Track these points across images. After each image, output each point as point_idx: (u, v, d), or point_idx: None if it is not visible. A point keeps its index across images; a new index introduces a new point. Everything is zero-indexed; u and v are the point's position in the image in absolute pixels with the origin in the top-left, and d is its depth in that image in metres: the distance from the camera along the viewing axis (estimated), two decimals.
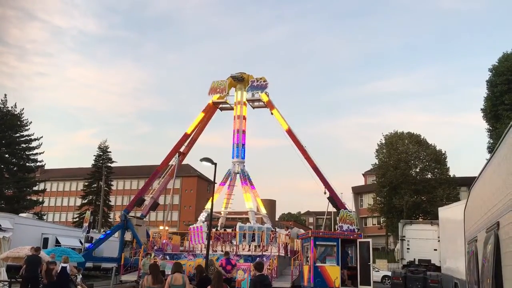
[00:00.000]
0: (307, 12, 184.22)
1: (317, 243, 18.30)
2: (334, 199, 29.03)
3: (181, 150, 33.21)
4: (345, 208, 28.38)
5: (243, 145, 31.97)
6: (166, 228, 32.90)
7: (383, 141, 52.14)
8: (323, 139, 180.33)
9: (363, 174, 73.93)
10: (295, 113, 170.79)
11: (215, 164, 19.71)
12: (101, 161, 62.77)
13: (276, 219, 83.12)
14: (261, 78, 31.88)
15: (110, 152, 64.07)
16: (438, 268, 21.23)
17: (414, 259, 22.84)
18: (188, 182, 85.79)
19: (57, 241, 32.12)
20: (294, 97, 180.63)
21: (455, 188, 48.09)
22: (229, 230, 28.60)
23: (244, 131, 32.19)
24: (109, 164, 62.71)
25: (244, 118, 32.45)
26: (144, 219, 33.59)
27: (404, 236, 23.58)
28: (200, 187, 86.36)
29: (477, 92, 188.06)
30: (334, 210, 30.24)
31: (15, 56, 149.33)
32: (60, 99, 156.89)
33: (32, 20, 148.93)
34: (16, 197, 46.90)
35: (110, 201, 64.64)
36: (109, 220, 63.26)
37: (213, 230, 26.52)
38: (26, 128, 49.02)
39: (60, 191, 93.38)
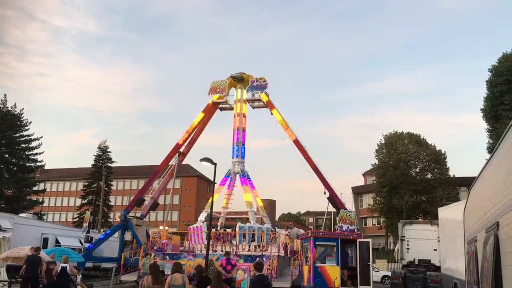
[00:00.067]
0: (307, 13, 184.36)
1: (317, 243, 18.29)
2: (334, 199, 29.03)
3: (181, 150, 33.20)
4: (345, 208, 28.39)
5: (243, 143, 31.95)
6: (166, 228, 32.90)
7: (383, 141, 52.16)
8: (323, 139, 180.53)
9: (363, 174, 73.93)
10: (295, 113, 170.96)
11: (215, 164, 19.71)
12: (101, 161, 62.75)
13: (276, 219, 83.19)
14: (261, 78, 31.88)
15: (110, 152, 64.15)
16: (437, 268, 21.24)
17: (414, 259, 22.85)
18: (188, 182, 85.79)
19: (57, 241, 32.13)
20: (294, 97, 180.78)
21: (454, 188, 48.10)
22: (229, 230, 28.60)
23: (244, 129, 32.18)
24: (109, 164, 62.68)
25: (244, 115, 32.42)
26: (144, 219, 33.59)
27: (404, 236, 23.58)
28: (200, 187, 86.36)
29: (477, 92, 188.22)
30: (334, 210, 30.24)
31: (15, 57, 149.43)
32: (60, 99, 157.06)
33: (32, 20, 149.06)
34: (16, 197, 46.89)
35: (110, 201, 64.62)
36: (109, 220, 63.23)
37: (213, 230, 26.51)
38: (26, 128, 49.08)
39: (60, 191, 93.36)
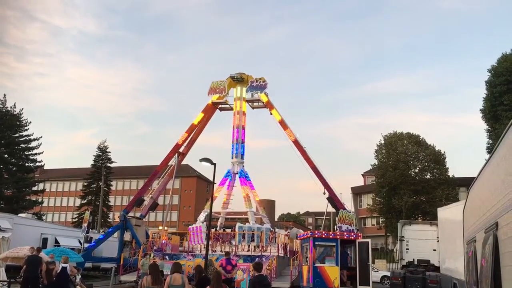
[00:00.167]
0: (307, 13, 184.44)
1: (316, 243, 18.29)
2: (333, 199, 29.02)
3: (181, 150, 33.19)
4: (344, 209, 28.41)
5: (243, 141, 31.94)
6: (166, 228, 32.89)
7: (382, 142, 52.17)
8: (322, 139, 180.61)
9: (362, 175, 73.92)
10: (295, 113, 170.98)
11: (215, 164, 19.71)
12: (100, 161, 62.71)
13: (276, 220, 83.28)
14: (260, 79, 31.88)
15: (109, 152, 64.10)
16: (437, 269, 21.25)
17: (413, 259, 22.86)
18: (188, 182, 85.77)
19: (56, 241, 32.12)
20: (294, 97, 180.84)
21: (454, 188, 48.11)
22: (228, 231, 28.60)
23: (243, 127, 32.18)
24: (109, 164, 62.63)
25: (244, 113, 32.42)
26: (144, 219, 33.58)
27: (403, 237, 23.59)
28: (199, 187, 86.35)
29: (476, 92, 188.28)
30: (334, 210, 30.22)
31: (15, 57, 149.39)
32: (60, 99, 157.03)
33: (32, 20, 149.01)
34: (15, 197, 46.87)
35: (109, 201, 64.60)
36: (109, 220, 63.20)
37: (212, 230, 26.50)
38: (26, 128, 49.08)
39: (59, 191, 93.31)
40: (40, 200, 53.08)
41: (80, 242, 33.04)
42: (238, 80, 32.46)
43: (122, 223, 30.69)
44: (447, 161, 49.95)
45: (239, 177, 31.05)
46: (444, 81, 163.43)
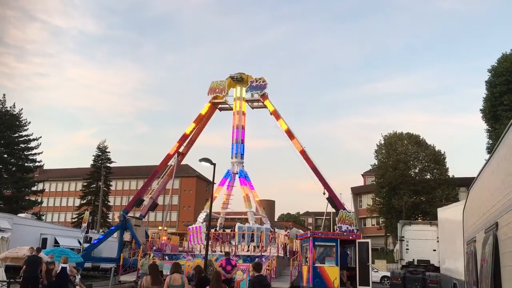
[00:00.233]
0: (307, 12, 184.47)
1: (316, 243, 18.27)
2: (333, 199, 29.02)
3: (180, 150, 33.18)
4: (344, 209, 28.42)
5: (242, 141, 31.95)
6: (165, 228, 32.88)
7: (382, 142, 52.19)
8: (322, 139, 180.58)
9: (362, 175, 73.95)
10: (295, 113, 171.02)
11: (214, 164, 19.69)
12: (100, 161, 62.68)
13: (275, 220, 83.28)
14: (260, 79, 31.90)
15: (109, 152, 64.05)
16: (437, 269, 21.23)
17: (413, 259, 22.86)
18: (187, 183, 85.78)
19: (55, 242, 32.09)
20: (294, 97, 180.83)
21: (454, 188, 48.12)
22: (228, 231, 28.59)
23: (243, 127, 32.20)
24: (108, 164, 62.58)
25: (244, 113, 32.43)
26: (143, 220, 33.58)
27: (403, 237, 23.58)
28: (199, 188, 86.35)
29: (476, 92, 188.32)
30: (333, 210, 30.23)
31: (14, 57, 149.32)
32: (59, 99, 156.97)
33: (32, 20, 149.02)
34: (15, 197, 46.84)
35: (109, 202, 64.59)
36: (108, 220, 63.20)
37: (212, 230, 26.49)
38: (25, 128, 49.05)
39: (59, 191, 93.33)
40: (39, 200, 53.07)
41: (79, 242, 33.03)
42: (238, 80, 32.48)
43: (122, 223, 30.69)
44: (447, 161, 50.03)
45: (239, 177, 31.04)
46: (444, 81, 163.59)
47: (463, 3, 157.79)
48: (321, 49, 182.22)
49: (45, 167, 66.75)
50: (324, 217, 36.54)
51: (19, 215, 34.34)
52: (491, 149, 34.12)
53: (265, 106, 31.98)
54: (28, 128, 49.24)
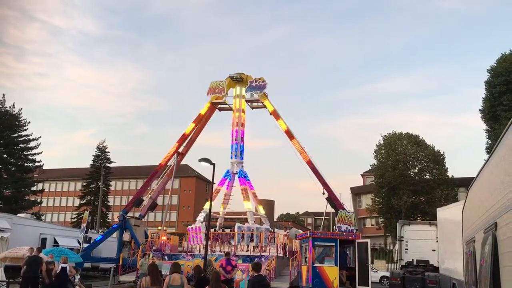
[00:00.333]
0: (307, 12, 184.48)
1: (315, 243, 18.28)
2: (332, 199, 29.02)
3: (180, 150, 33.18)
4: (344, 209, 28.42)
5: (242, 139, 31.95)
6: (165, 228, 32.87)
7: (382, 142, 52.22)
8: (322, 139, 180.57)
9: (362, 175, 73.99)
10: (295, 113, 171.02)
11: (214, 164, 19.68)
12: (99, 161, 62.67)
13: (275, 220, 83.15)
14: (259, 79, 31.90)
15: (108, 152, 64.05)
16: (436, 269, 21.25)
17: (413, 259, 22.87)
18: (187, 183, 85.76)
19: (55, 241, 32.08)
20: (294, 97, 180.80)
21: (453, 188, 48.17)
22: (227, 231, 28.58)
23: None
24: (108, 164, 62.57)
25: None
26: (143, 220, 33.56)
27: (403, 237, 23.60)
28: (198, 188, 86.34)
29: (476, 92, 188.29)
30: (333, 210, 30.24)
31: (14, 57, 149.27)
32: (59, 99, 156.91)
33: (31, 20, 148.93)
34: (14, 197, 46.81)
35: (108, 202, 64.55)
36: (108, 220, 63.19)
37: (212, 230, 26.49)
38: (25, 128, 49.04)
39: (58, 191, 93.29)
40: (39, 200, 53.02)
41: (79, 242, 33.01)
42: (238, 80, 32.49)
43: (121, 223, 30.68)
44: (446, 161, 50.14)
45: (238, 177, 31.04)
46: (444, 81, 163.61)
47: (463, 3, 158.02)
48: (321, 49, 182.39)
49: (44, 167, 66.71)
50: (323, 217, 36.57)
51: (19, 215, 34.31)
52: (490, 149, 34.11)
53: (264, 106, 31.98)
54: (27, 128, 49.32)
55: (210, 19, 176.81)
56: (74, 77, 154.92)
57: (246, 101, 32.54)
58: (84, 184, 63.85)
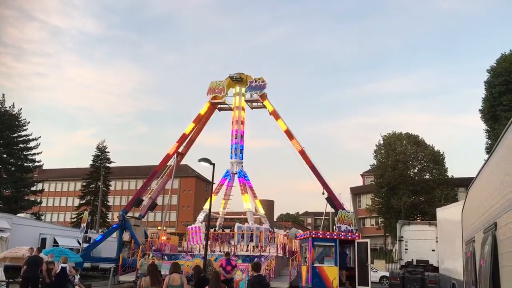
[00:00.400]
0: (307, 13, 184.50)
1: (315, 243, 18.29)
2: (332, 199, 29.03)
3: (180, 150, 33.18)
4: (343, 209, 28.43)
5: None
6: (164, 228, 32.85)
7: (381, 142, 52.22)
8: (322, 139, 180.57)
9: (362, 175, 73.99)
10: (295, 113, 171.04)
11: (214, 164, 19.68)
12: (99, 161, 62.65)
13: (275, 220, 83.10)
14: (259, 79, 31.89)
15: (108, 152, 64.00)
16: (436, 269, 21.26)
17: (412, 259, 22.88)
18: (187, 183, 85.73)
19: (55, 241, 32.08)
20: (294, 97, 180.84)
21: (453, 188, 48.19)
22: (227, 231, 28.57)
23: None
24: (107, 164, 62.55)
25: (243, 122, 32.40)
26: (142, 220, 33.56)
27: (402, 237, 23.61)
28: (198, 188, 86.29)
29: (476, 93, 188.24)
30: (333, 210, 30.24)
31: (13, 56, 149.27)
32: (58, 99, 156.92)
33: (31, 20, 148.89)
34: (14, 197, 46.80)
35: (108, 202, 64.51)
36: (107, 220, 63.16)
37: (211, 230, 26.48)
38: (24, 128, 49.00)
39: (58, 191, 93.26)
40: (38, 200, 53.01)
41: (78, 242, 33.00)
42: (237, 80, 32.49)
43: (121, 223, 30.67)
44: (446, 161, 50.15)
45: (238, 177, 31.04)
46: (444, 81, 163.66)
47: (463, 3, 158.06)
48: (321, 49, 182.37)
49: (44, 167, 66.68)
50: (323, 217, 36.57)
51: (18, 215, 34.31)
52: (490, 149, 34.15)
53: (264, 106, 31.98)
54: (27, 128, 49.29)
55: (210, 19, 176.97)
56: (74, 77, 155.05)
57: (246, 101, 32.55)
58: (84, 184, 63.83)
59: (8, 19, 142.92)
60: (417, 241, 23.08)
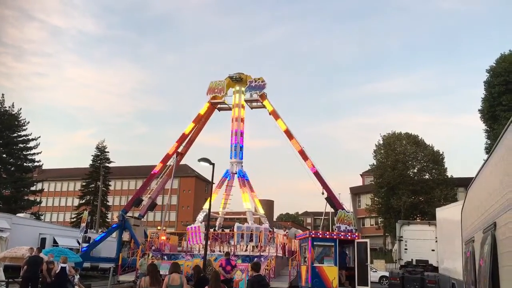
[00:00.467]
0: (307, 12, 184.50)
1: (315, 243, 18.30)
2: (332, 199, 29.03)
3: (179, 150, 33.19)
4: (343, 209, 28.44)
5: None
6: (164, 228, 32.86)
7: (381, 142, 52.23)
8: (322, 139, 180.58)
9: (361, 175, 74.00)
10: (295, 113, 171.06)
11: (213, 164, 19.68)
12: (99, 161, 62.61)
13: (274, 220, 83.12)
14: (259, 79, 31.90)
15: (108, 152, 63.96)
16: (435, 269, 21.26)
17: (412, 259, 22.88)
18: (186, 182, 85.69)
19: (54, 241, 32.08)
20: (294, 97, 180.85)
21: (452, 188, 48.21)
22: (227, 231, 28.58)
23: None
24: (107, 164, 62.53)
25: (242, 120, 32.45)
26: (142, 219, 33.56)
27: (402, 237, 23.61)
28: (198, 188, 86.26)
29: (475, 93, 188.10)
30: (332, 210, 30.25)
31: (13, 56, 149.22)
32: (58, 99, 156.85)
33: (31, 20, 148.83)
34: (14, 197, 46.79)
35: (108, 201, 64.48)
36: (107, 220, 63.14)
37: (211, 230, 26.49)
38: (24, 128, 49.00)
39: (57, 191, 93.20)
40: (38, 200, 52.97)
41: (78, 242, 33.00)
42: (237, 80, 32.50)
43: (121, 223, 30.67)
44: (445, 161, 50.18)
45: (238, 177, 31.06)
46: (444, 82, 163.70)
47: (463, 3, 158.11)
48: (321, 49, 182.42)
49: (44, 167, 66.63)
50: (323, 217, 36.57)
51: (18, 215, 34.28)
52: (489, 149, 34.11)
53: (264, 106, 31.99)
54: (27, 128, 49.28)
55: (210, 19, 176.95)
56: (74, 77, 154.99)
57: (246, 101, 32.58)
58: (84, 184, 63.81)
59: (8, 19, 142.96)
60: (417, 241, 23.08)
